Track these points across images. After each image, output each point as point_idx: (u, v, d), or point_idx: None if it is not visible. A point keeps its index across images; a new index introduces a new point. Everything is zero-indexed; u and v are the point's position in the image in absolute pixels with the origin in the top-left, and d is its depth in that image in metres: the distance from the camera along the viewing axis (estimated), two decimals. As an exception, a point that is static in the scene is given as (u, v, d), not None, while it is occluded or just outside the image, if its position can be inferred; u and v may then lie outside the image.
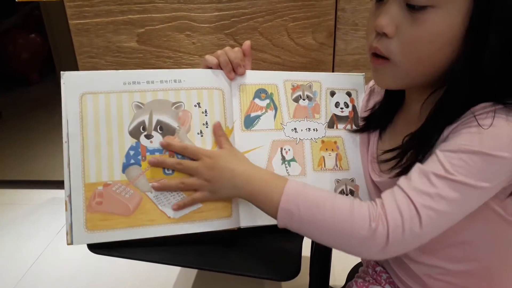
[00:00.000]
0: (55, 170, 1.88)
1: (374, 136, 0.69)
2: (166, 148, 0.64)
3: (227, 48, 0.68)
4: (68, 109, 0.61)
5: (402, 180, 0.52)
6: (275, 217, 0.55)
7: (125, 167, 0.62)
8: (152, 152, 0.63)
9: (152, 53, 1.40)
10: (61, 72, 0.61)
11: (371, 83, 0.75)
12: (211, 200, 0.63)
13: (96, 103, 0.62)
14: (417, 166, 0.52)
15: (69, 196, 0.60)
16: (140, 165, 0.63)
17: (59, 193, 1.83)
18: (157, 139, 0.63)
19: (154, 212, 0.62)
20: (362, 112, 0.73)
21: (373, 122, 0.69)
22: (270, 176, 0.59)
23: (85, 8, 1.35)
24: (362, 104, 0.74)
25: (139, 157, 0.63)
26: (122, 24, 1.37)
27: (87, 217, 0.60)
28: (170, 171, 0.63)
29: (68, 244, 0.60)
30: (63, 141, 0.61)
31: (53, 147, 1.98)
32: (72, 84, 0.61)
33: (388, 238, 0.49)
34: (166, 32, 1.37)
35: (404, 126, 0.64)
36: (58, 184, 1.85)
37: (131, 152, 0.63)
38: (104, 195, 0.61)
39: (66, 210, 0.61)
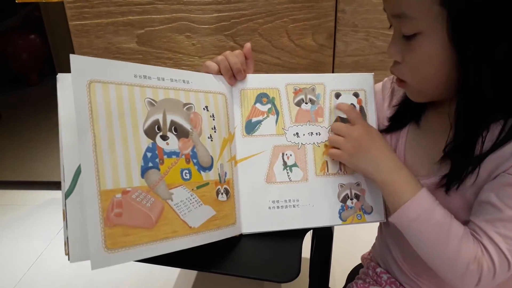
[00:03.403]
0: (54, 170, 1.88)
1: (401, 137, 0.68)
2: (340, 108, 0.68)
3: (228, 53, 0.67)
4: (75, 99, 0.51)
5: (484, 224, 0.55)
6: (393, 211, 0.59)
7: (144, 171, 0.55)
8: (169, 155, 0.58)
9: (152, 54, 1.40)
10: (70, 55, 0.52)
11: (389, 83, 0.74)
12: (343, 162, 0.66)
13: (107, 93, 0.54)
14: (498, 206, 0.54)
15: (65, 205, 0.53)
16: (159, 169, 0.56)
17: (59, 194, 1.83)
18: (173, 141, 0.58)
19: (176, 222, 0.56)
20: (385, 114, 0.72)
21: (402, 120, 0.69)
22: (411, 177, 0.61)
23: (85, 9, 1.35)
24: (384, 108, 0.72)
25: (157, 160, 0.56)
26: (122, 25, 1.37)
27: (106, 233, 0.50)
28: (188, 176, 0.59)
29: (70, 261, 0.52)
30: (60, 145, 0.53)
31: (53, 148, 1.98)
32: (80, 69, 0.53)
33: (479, 280, 0.54)
34: (166, 33, 1.37)
35: (442, 125, 0.63)
36: (58, 185, 1.84)
37: (148, 154, 0.56)
38: (123, 205, 0.52)
39: (63, 220, 0.53)
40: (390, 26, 0.60)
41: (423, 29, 0.52)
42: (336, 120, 0.69)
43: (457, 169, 0.57)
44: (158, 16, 1.34)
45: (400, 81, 0.61)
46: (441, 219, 0.56)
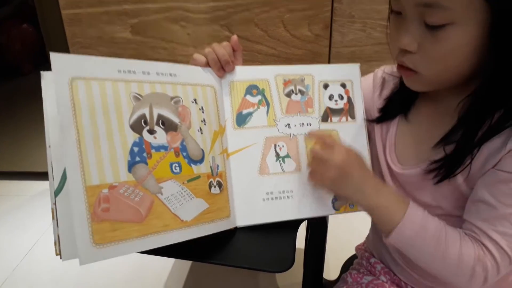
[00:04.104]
0: (48, 161, 1.87)
1: (392, 126, 0.68)
2: (310, 135, 0.66)
3: (215, 45, 0.66)
4: (57, 97, 0.51)
5: (481, 224, 0.55)
6: (387, 234, 0.58)
7: (131, 166, 0.55)
8: (157, 148, 0.57)
9: (146, 44, 1.39)
10: (50, 53, 0.52)
11: (380, 72, 0.73)
12: (326, 188, 0.63)
13: (89, 90, 0.54)
14: (493, 204, 0.54)
15: (55, 204, 0.52)
16: (146, 164, 0.56)
17: (53, 185, 1.82)
18: (161, 135, 0.58)
19: (167, 216, 0.56)
20: (375, 104, 0.72)
21: (392, 111, 0.68)
22: (395, 196, 0.60)
23: (78, -3, 1.34)
24: (374, 98, 0.72)
25: (144, 154, 0.56)
26: (116, 14, 1.35)
27: (94, 228, 0.50)
28: (178, 170, 0.59)
29: (62, 259, 0.51)
30: (47, 143, 0.53)
31: (46, 139, 1.97)
32: (61, 67, 0.52)
33: (486, 279, 0.55)
34: (160, 22, 1.35)
35: (435, 116, 0.63)
36: (52, 176, 1.84)
37: (135, 149, 0.55)
38: (110, 200, 0.52)
39: (53, 218, 0.52)
40: (392, 11, 0.57)
41: (456, 20, 0.50)
42: (325, 111, 0.69)
43: (456, 155, 0.56)
44: (153, 5, 1.33)
45: (409, 71, 0.58)
46: (436, 230, 0.57)
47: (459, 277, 0.56)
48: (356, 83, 0.71)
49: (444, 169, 0.58)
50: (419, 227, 0.57)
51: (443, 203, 0.60)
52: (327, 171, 0.60)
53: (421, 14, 0.52)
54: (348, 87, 0.71)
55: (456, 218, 0.59)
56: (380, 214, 0.59)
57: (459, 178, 0.57)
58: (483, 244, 0.55)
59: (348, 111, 0.70)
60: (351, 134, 0.70)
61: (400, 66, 0.59)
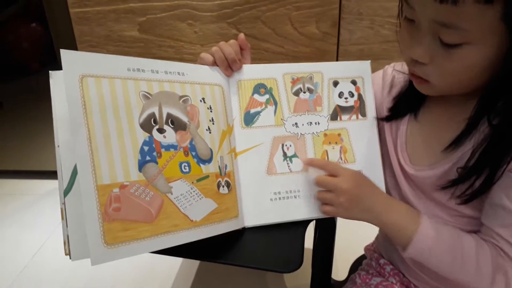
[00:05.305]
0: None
1: (402, 124, 0.67)
2: (309, 163, 0.64)
3: (222, 43, 0.66)
4: (67, 94, 0.51)
5: (501, 230, 0.55)
6: (404, 248, 0.59)
7: (141, 165, 0.54)
8: (167, 148, 0.57)
9: (153, 42, 1.39)
10: (60, 50, 0.52)
11: (390, 70, 0.72)
12: (340, 217, 0.63)
13: (100, 87, 0.53)
14: (510, 210, 0.53)
15: (64, 204, 0.52)
16: (156, 163, 0.56)
17: (61, 183, 1.83)
18: (170, 134, 0.58)
19: (177, 216, 0.56)
20: (384, 102, 0.71)
21: (402, 110, 0.67)
22: (406, 209, 0.61)
23: (86, -4, 1.34)
24: (383, 96, 0.71)
25: (154, 153, 0.56)
26: (123, 12, 1.35)
27: (105, 228, 0.50)
28: (187, 169, 0.58)
29: (72, 259, 0.51)
30: (56, 144, 0.53)
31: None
32: (71, 64, 0.52)
33: (508, 285, 0.55)
34: (167, 21, 1.35)
35: (445, 116, 0.62)
36: (60, 174, 1.84)
37: (145, 148, 0.55)
38: (121, 199, 0.52)
39: (62, 219, 0.52)
40: (403, 15, 0.55)
41: (472, 40, 0.49)
42: (335, 109, 0.69)
43: (481, 183, 0.55)
44: (160, 3, 1.33)
45: (421, 80, 0.57)
46: (451, 241, 0.57)
47: (479, 284, 0.56)
48: (367, 80, 0.70)
49: (468, 194, 0.57)
50: (434, 240, 0.57)
51: (459, 206, 0.59)
52: (338, 198, 0.60)
53: (436, 30, 0.50)
54: (359, 84, 0.70)
55: (469, 219, 0.58)
56: (394, 230, 0.60)
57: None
58: (503, 250, 0.54)
59: (359, 108, 0.69)
60: (362, 132, 0.69)
61: (412, 74, 0.58)
